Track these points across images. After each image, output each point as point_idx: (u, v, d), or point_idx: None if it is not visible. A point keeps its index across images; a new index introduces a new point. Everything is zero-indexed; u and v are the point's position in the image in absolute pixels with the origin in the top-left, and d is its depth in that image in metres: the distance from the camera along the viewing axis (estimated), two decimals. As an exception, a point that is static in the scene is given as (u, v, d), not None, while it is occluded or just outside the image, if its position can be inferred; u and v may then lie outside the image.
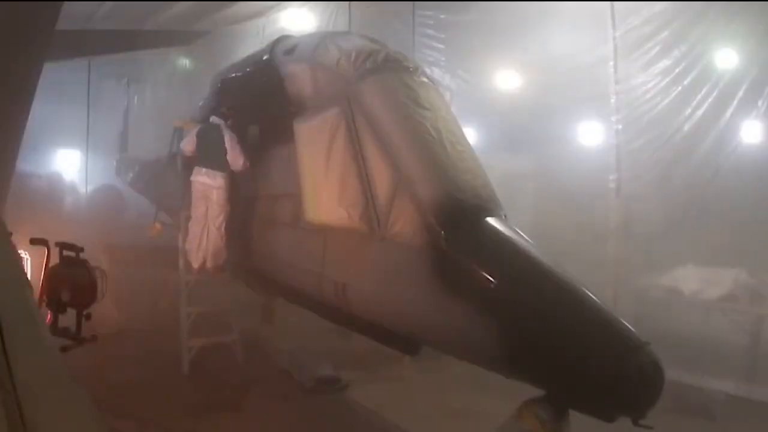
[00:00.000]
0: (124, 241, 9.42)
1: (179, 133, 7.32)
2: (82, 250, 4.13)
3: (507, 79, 8.13)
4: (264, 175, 6.16)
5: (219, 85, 7.12)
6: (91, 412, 1.73)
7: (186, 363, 6.31)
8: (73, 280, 4.00)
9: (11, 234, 2.23)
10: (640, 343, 3.68)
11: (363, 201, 4.78)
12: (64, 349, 3.67)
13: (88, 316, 4.03)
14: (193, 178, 6.39)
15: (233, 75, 6.93)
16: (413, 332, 4.74)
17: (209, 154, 6.29)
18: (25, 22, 5.15)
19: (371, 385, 6.23)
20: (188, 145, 6.55)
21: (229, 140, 6.20)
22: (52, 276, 4.03)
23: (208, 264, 6.42)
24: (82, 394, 1.77)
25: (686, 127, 6.39)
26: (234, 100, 6.70)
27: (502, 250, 4.33)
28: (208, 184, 6.30)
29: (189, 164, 6.70)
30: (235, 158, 6.18)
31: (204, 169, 6.31)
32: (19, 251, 3.47)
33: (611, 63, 6.90)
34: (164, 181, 9.19)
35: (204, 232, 6.37)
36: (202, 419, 5.17)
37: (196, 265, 6.47)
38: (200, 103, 7.79)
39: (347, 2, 10.00)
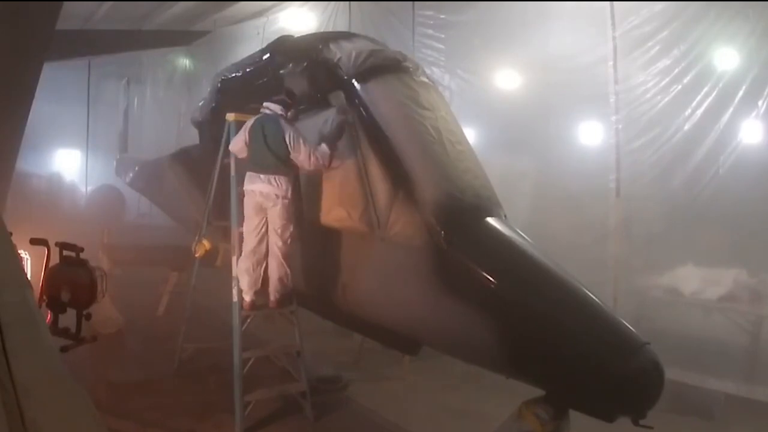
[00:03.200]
0: (124, 241, 9.42)
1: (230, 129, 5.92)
2: (82, 250, 4.12)
3: (507, 79, 8.12)
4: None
5: (219, 85, 7.12)
6: (91, 412, 1.73)
7: (177, 363, 6.23)
8: (73, 280, 3.99)
9: (11, 234, 2.22)
10: (640, 343, 3.69)
11: (363, 201, 4.79)
12: (64, 349, 3.66)
13: (88, 316, 4.03)
14: (247, 186, 5.16)
15: (233, 75, 6.93)
16: (413, 332, 4.74)
17: (268, 154, 5.06)
18: (25, 22, 5.16)
19: (371, 385, 6.23)
20: (238, 144, 5.31)
21: (292, 135, 4.99)
22: (52, 276, 4.02)
23: (272, 296, 5.26)
24: (82, 394, 1.77)
25: (686, 127, 6.38)
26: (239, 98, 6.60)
27: (502, 250, 4.34)
28: (268, 193, 5.06)
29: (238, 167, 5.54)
30: (305, 155, 4.92)
31: (262, 176, 5.08)
32: (19, 251, 3.47)
33: (611, 63, 6.89)
34: (164, 182, 9.20)
35: (260, 255, 5.21)
36: (202, 419, 5.17)
37: (249, 298, 5.27)
38: (200, 103, 7.80)
39: (347, 2, 10.01)
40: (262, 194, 5.08)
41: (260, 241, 5.18)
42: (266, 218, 5.15)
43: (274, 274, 5.20)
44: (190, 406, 5.42)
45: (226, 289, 5.42)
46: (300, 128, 5.18)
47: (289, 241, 5.14)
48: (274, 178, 5.05)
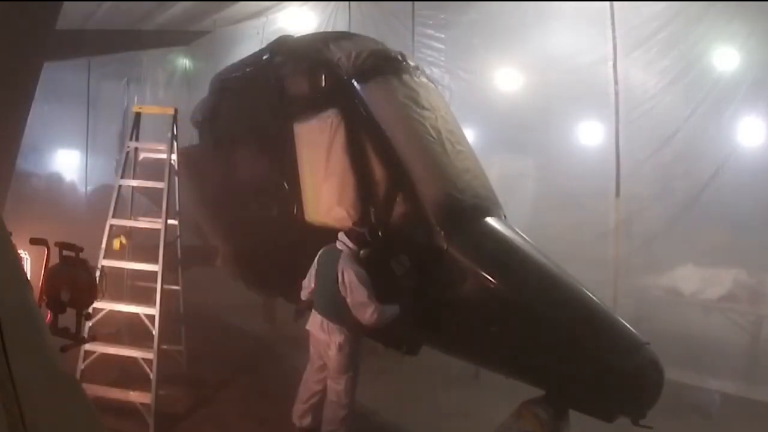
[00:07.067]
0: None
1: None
2: (82, 250, 4.12)
3: (507, 79, 8.12)
4: (264, 174, 6.15)
5: (218, 85, 7.13)
6: (91, 412, 1.73)
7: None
8: (73, 280, 3.99)
9: (11, 234, 2.22)
10: (639, 343, 3.69)
11: (363, 201, 4.79)
12: (64, 349, 3.66)
13: (88, 316, 4.03)
14: (309, 326, 4.66)
15: (233, 75, 6.93)
16: (413, 332, 4.74)
17: (322, 294, 4.54)
18: (25, 22, 5.16)
19: (371, 385, 6.22)
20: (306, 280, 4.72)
21: (350, 277, 4.24)
22: (52, 276, 4.02)
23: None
24: (82, 394, 1.77)
25: (686, 127, 6.39)
26: (235, 102, 6.64)
27: (501, 250, 4.34)
28: (319, 339, 4.57)
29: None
30: (361, 306, 4.21)
31: (321, 319, 4.53)
32: (19, 251, 3.46)
33: (611, 63, 6.90)
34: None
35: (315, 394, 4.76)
36: (203, 419, 5.17)
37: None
38: (200, 103, 7.79)
39: (347, 2, 10.00)
40: (315, 338, 4.62)
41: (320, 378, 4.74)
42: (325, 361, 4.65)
43: (329, 416, 4.62)
44: (191, 407, 5.42)
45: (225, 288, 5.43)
46: (301, 137, 5.18)
47: (346, 387, 4.54)
48: (326, 324, 4.50)
